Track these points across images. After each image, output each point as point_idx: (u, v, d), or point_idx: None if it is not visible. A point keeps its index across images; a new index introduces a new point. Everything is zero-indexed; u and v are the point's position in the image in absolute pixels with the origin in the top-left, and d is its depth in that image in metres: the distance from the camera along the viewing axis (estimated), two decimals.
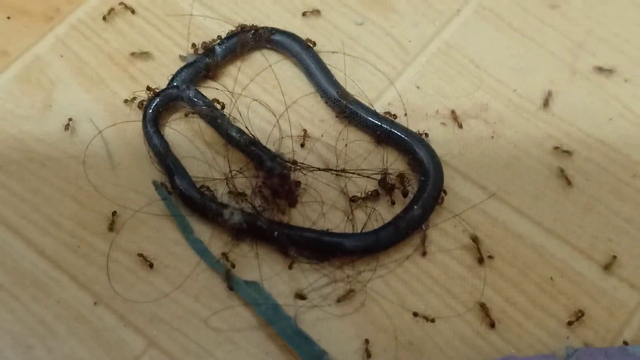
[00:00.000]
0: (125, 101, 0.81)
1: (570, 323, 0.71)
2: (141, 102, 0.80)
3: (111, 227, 0.74)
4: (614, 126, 0.82)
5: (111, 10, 0.86)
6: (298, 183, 0.75)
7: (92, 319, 0.70)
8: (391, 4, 0.88)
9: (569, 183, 0.75)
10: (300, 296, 0.71)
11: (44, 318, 0.70)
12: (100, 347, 0.69)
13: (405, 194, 0.76)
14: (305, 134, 0.79)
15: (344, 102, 0.80)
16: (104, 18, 0.86)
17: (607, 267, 0.73)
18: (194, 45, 0.84)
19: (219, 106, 0.79)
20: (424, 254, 0.74)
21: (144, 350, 0.69)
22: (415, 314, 0.71)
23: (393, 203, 0.76)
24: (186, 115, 0.80)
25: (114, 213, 0.74)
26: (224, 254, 0.73)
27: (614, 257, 0.74)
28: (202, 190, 0.75)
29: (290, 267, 0.72)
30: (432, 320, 0.71)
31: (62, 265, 0.73)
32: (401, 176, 0.76)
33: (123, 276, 0.72)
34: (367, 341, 0.70)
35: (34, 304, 0.71)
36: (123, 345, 0.69)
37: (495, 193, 0.77)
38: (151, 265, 0.73)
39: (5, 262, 0.73)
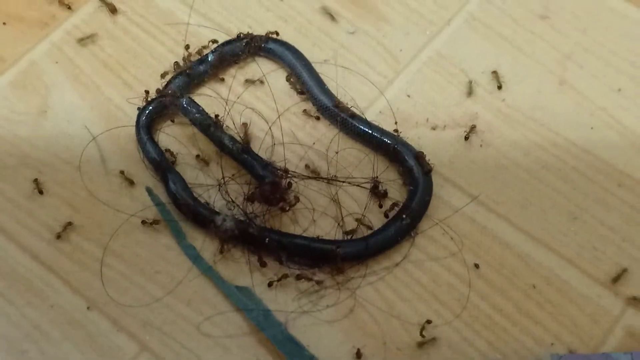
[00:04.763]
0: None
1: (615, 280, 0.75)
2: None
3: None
4: (600, 136, 0.83)
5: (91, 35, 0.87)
6: (289, 185, 0.76)
7: (86, 324, 0.71)
8: (383, 13, 0.89)
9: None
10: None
11: (39, 323, 0.71)
12: (93, 352, 0.70)
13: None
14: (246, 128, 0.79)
15: (336, 110, 0.81)
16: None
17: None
18: (187, 46, 0.85)
19: (212, 116, 0.79)
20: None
21: (137, 354, 0.70)
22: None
23: (381, 206, 0.77)
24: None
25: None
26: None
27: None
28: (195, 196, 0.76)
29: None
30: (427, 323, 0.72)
31: (56, 271, 0.74)
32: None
33: (116, 281, 0.73)
34: (359, 351, 0.71)
35: (29, 309, 0.72)
36: (116, 350, 0.70)
37: (478, 197, 0.78)
38: (41, 192, 0.76)
39: None
